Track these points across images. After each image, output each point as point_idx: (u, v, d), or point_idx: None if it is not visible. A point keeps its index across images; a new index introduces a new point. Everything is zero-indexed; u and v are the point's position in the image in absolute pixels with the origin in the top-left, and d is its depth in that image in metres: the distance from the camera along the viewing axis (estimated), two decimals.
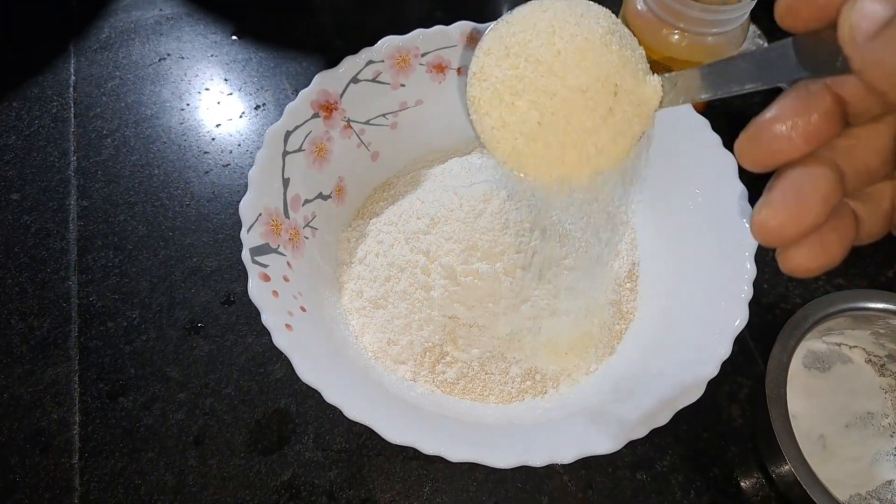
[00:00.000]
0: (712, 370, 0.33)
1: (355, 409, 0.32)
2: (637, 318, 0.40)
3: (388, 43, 0.43)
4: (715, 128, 0.40)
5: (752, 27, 0.57)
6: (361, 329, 0.40)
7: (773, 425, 0.36)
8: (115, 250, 0.47)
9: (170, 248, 0.47)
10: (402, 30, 0.43)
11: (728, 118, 0.54)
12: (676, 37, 0.45)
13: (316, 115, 0.41)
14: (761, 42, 0.56)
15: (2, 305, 0.45)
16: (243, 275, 0.41)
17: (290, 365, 0.32)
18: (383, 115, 0.45)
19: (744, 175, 0.38)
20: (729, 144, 0.39)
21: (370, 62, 0.43)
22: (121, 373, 0.43)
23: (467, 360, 0.38)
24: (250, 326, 0.44)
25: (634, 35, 0.45)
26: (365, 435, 0.41)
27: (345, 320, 0.40)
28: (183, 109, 0.53)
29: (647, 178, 0.43)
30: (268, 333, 0.33)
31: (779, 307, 0.46)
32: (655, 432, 0.32)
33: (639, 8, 0.46)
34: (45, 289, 0.46)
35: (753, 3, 0.42)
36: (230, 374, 0.43)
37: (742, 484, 0.40)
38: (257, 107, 0.54)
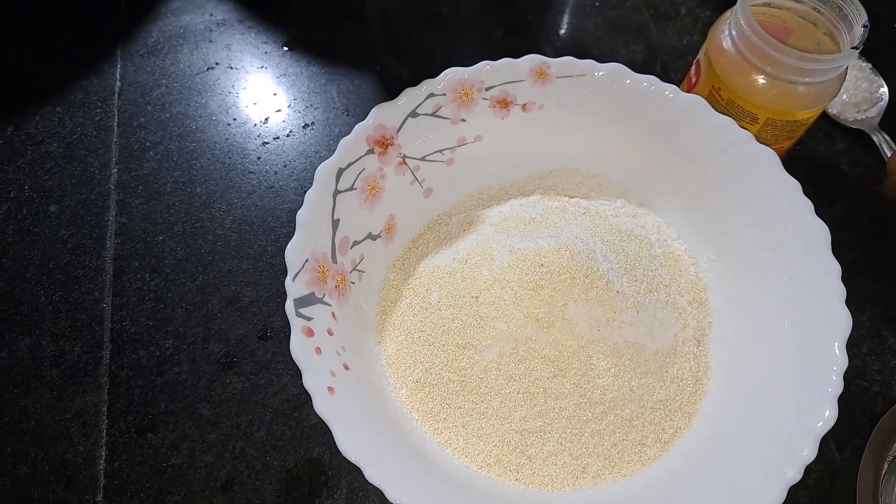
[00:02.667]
0: (795, 475, 0.30)
1: (398, 492, 0.29)
2: (705, 394, 0.37)
3: (452, 75, 0.40)
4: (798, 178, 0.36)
5: (865, 64, 0.53)
6: (400, 384, 0.37)
7: None
8: (151, 273, 0.45)
9: (208, 274, 0.45)
10: (457, 48, 0.40)
11: (813, 171, 0.50)
12: (763, 82, 0.41)
13: (371, 151, 0.39)
14: (875, 77, 0.52)
15: (34, 325, 0.43)
16: (281, 307, 0.39)
17: None
18: (440, 151, 0.42)
19: (837, 251, 0.34)
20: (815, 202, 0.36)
21: (431, 95, 0.40)
22: (151, 406, 0.41)
23: (516, 436, 0.35)
24: (286, 365, 0.42)
25: (718, 75, 0.42)
26: None
27: (385, 374, 0.38)
28: (229, 124, 0.51)
29: (723, 233, 0.40)
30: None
31: (855, 383, 0.42)
32: None
33: (725, 46, 0.42)
34: (78, 310, 0.44)
35: (856, 55, 0.38)
36: (263, 416, 0.41)
37: None
38: (305, 125, 0.51)
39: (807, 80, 0.40)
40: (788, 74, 0.39)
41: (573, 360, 0.35)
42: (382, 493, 0.37)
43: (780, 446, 0.31)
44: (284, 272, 0.34)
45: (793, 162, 0.36)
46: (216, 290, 0.45)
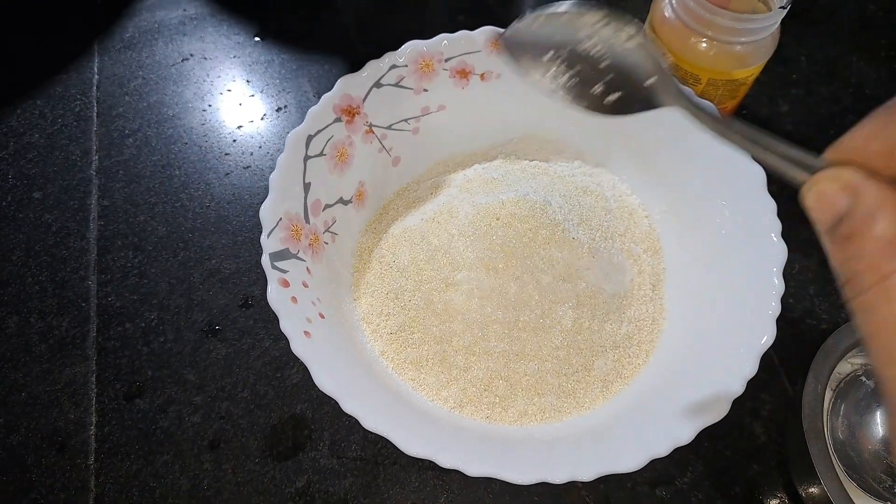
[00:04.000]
0: (738, 388, 0.32)
1: (373, 419, 0.31)
2: (661, 332, 0.40)
3: (412, 47, 0.42)
4: None
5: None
6: (375, 337, 0.39)
7: (813, 462, 0.36)
8: (134, 251, 0.47)
9: (189, 250, 0.47)
10: (424, 33, 0.42)
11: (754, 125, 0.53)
12: (704, 45, 0.44)
13: (338, 120, 0.41)
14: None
15: (22, 304, 0.45)
16: (261, 278, 0.41)
17: (307, 371, 0.32)
18: (405, 121, 0.44)
19: (772, 188, 0.37)
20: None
21: (393, 66, 0.42)
22: (138, 374, 0.43)
23: (484, 378, 0.37)
24: (267, 330, 0.44)
25: (662, 42, 0.45)
26: (380, 443, 0.41)
27: (361, 327, 0.40)
28: (205, 111, 0.53)
29: (673, 187, 0.43)
30: (285, 338, 0.33)
31: (804, 322, 0.45)
32: (676, 449, 0.31)
33: (666, 15, 0.45)
34: (64, 288, 0.46)
35: (784, 12, 0.41)
36: (246, 378, 0.43)
37: (765, 503, 0.40)
38: (279, 109, 0.53)
39: (742, 39, 0.43)
40: (725, 35, 0.42)
41: (534, 305, 0.38)
42: (363, 444, 0.40)
43: (726, 367, 0.34)
44: (262, 247, 0.36)
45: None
46: (197, 264, 0.47)
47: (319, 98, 0.40)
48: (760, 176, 0.38)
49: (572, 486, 0.40)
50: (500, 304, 0.38)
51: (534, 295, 0.38)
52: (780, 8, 0.41)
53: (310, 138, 0.39)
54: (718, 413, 0.32)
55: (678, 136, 0.41)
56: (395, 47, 0.42)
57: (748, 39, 0.43)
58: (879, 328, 0.17)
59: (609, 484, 0.40)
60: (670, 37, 0.45)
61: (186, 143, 0.52)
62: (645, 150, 0.44)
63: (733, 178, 0.39)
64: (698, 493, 0.40)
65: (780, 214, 0.36)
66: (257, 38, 0.57)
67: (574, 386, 0.38)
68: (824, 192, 0.18)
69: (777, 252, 0.36)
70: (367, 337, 0.39)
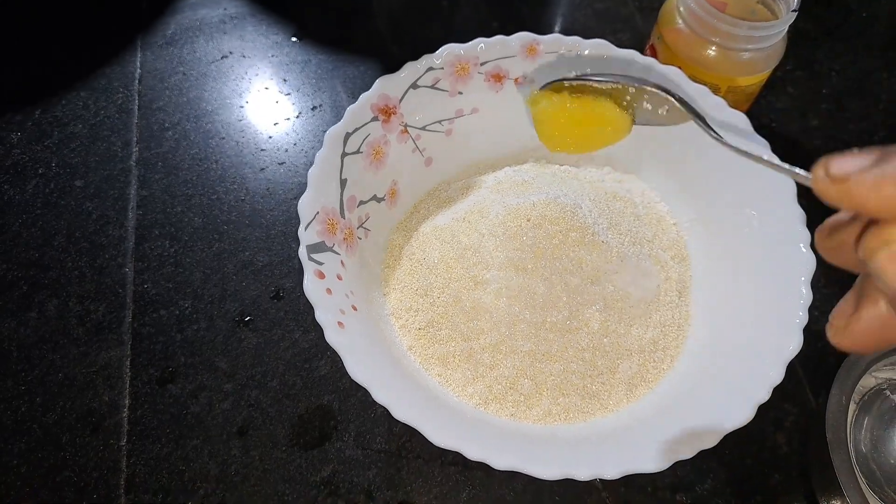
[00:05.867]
0: (763, 395, 0.33)
1: (403, 409, 0.32)
2: (688, 337, 0.40)
3: (449, 51, 0.43)
4: (774, 150, 0.40)
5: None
6: (404, 332, 0.40)
7: (836, 473, 0.36)
8: (171, 240, 0.48)
9: (224, 241, 0.48)
10: (457, 38, 0.43)
11: (784, 139, 0.53)
12: (712, 52, 0.44)
13: (375, 119, 0.42)
14: None
15: (61, 288, 0.46)
16: (293, 271, 0.42)
17: (335, 362, 0.33)
18: (439, 122, 0.45)
19: (802, 198, 0.38)
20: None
21: (430, 68, 0.43)
22: (171, 360, 0.44)
23: (510, 377, 0.38)
24: (297, 322, 0.45)
25: (676, 54, 0.45)
26: (405, 436, 0.42)
27: (390, 322, 0.41)
28: (242, 107, 0.54)
29: (701, 196, 0.43)
30: (314, 330, 0.34)
31: None
32: (698, 455, 0.32)
33: (678, 26, 0.46)
34: (102, 274, 0.47)
35: (792, 19, 0.42)
36: (276, 368, 0.44)
37: None
38: (314, 108, 0.55)
39: (750, 46, 0.43)
40: (731, 42, 0.43)
41: (561, 307, 0.38)
42: (388, 437, 0.41)
43: (752, 374, 0.34)
44: (295, 240, 0.37)
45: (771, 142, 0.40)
46: (231, 255, 0.48)
47: (353, 98, 0.41)
48: (790, 186, 0.38)
49: (593, 487, 0.40)
50: (527, 304, 0.38)
51: (561, 296, 0.38)
52: (793, 11, 0.42)
53: (347, 136, 0.40)
54: (743, 418, 0.32)
55: (708, 144, 0.42)
56: (428, 52, 0.43)
57: (755, 47, 0.43)
58: None
59: (630, 487, 0.40)
60: (678, 44, 0.46)
61: (223, 138, 0.53)
62: (674, 158, 0.44)
63: (763, 188, 0.39)
64: (719, 500, 0.40)
65: (809, 225, 0.37)
66: (294, 39, 0.58)
67: (599, 388, 0.38)
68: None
69: (806, 262, 0.36)
70: (396, 332, 0.40)
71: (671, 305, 0.41)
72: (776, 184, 0.39)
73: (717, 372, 0.37)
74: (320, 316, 0.34)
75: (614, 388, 0.38)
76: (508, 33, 0.44)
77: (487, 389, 0.38)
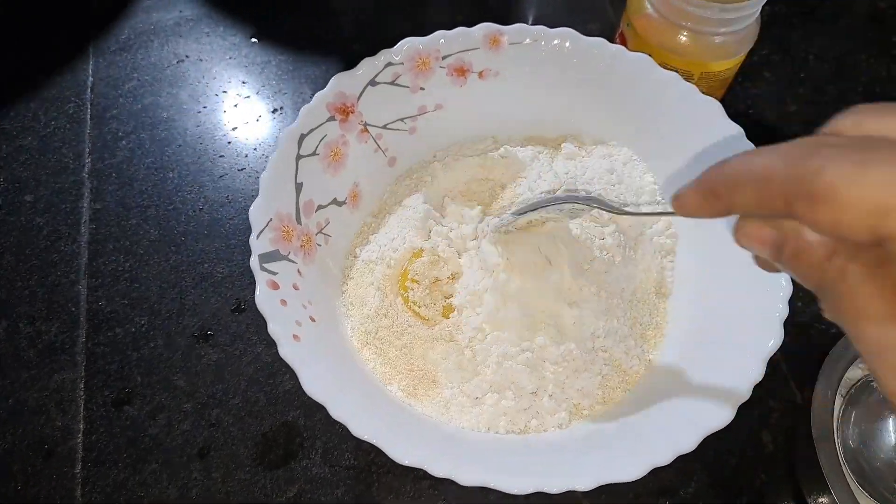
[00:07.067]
0: (744, 393, 0.31)
1: (362, 426, 0.30)
2: (665, 335, 0.38)
3: (408, 45, 0.41)
4: (751, 137, 0.38)
5: None
6: (367, 343, 0.38)
7: (823, 471, 0.35)
8: (126, 254, 0.46)
9: (181, 254, 0.46)
10: (424, 34, 0.41)
11: (761, 126, 0.52)
12: (683, 38, 0.43)
13: (332, 118, 0.40)
14: None
15: (11, 308, 0.44)
16: (254, 282, 0.40)
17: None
18: (401, 120, 0.43)
19: None
20: None
21: (389, 64, 0.41)
22: (127, 380, 0.42)
23: (478, 386, 0.36)
24: (260, 335, 0.43)
25: (646, 41, 0.44)
26: (374, 452, 0.39)
27: (350, 333, 0.39)
28: (199, 112, 0.52)
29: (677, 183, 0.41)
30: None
31: (813, 327, 0.43)
32: (680, 457, 0.30)
33: (648, 12, 0.44)
34: (54, 292, 0.45)
35: (763, 1, 0.40)
36: (238, 385, 0.42)
37: None
38: (275, 110, 0.52)
39: (721, 30, 0.42)
40: (703, 26, 0.41)
41: (532, 306, 0.36)
42: (357, 453, 0.38)
43: (731, 371, 0.32)
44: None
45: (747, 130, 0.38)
46: (189, 268, 0.46)
47: None
48: None
49: (571, 495, 0.38)
50: (505, 317, 0.37)
51: (533, 296, 0.36)
52: None
53: (302, 137, 0.39)
54: (723, 419, 0.31)
55: (686, 132, 0.40)
56: (392, 47, 0.41)
57: (727, 30, 0.42)
58: (859, 314, 0.18)
59: (610, 494, 0.38)
60: (648, 31, 0.44)
61: (181, 146, 0.51)
62: (651, 147, 0.43)
63: None
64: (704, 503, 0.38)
65: None
66: (254, 40, 0.56)
67: (572, 392, 0.36)
68: (752, 231, 0.20)
69: None
70: (357, 342, 0.38)
71: (649, 302, 0.39)
72: None
73: (695, 370, 0.35)
74: (274, 329, 0.32)
75: (589, 392, 0.36)
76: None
77: (454, 399, 0.36)
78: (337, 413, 0.30)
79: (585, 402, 0.36)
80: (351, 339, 0.38)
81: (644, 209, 0.34)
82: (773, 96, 0.53)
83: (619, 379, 0.37)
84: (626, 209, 0.37)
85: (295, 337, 0.33)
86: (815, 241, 0.19)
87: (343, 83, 0.40)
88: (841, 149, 0.17)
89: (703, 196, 0.21)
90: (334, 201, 0.41)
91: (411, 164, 0.45)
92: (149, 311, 0.44)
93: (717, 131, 0.39)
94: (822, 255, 0.18)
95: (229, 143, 0.51)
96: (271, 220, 0.36)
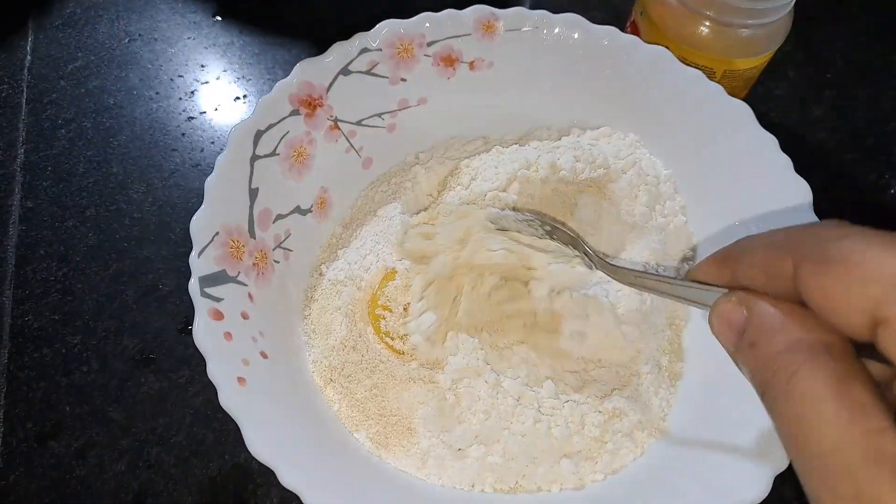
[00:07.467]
0: (782, 462, 0.26)
1: (319, 496, 0.25)
2: (679, 387, 0.33)
3: (388, 28, 0.36)
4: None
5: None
6: (330, 384, 0.32)
7: None
8: (59, 261, 0.40)
9: (123, 262, 0.40)
10: (407, 16, 0.36)
11: (784, 132, 0.46)
12: (705, 29, 0.37)
13: (295, 112, 0.34)
14: None
15: None
16: None
17: None
18: (379, 115, 0.38)
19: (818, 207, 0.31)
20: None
21: (365, 50, 0.36)
22: (54, 410, 0.36)
23: (460, 437, 0.30)
24: None
25: (664, 33, 0.38)
26: None
27: (311, 370, 0.33)
28: (151, 98, 0.46)
29: (703, 200, 0.36)
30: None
31: None
32: None
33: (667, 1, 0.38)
34: None
35: None
36: (182, 419, 0.36)
37: None
38: (237, 98, 0.46)
39: (750, 22, 0.36)
40: (730, 17, 0.36)
41: (516, 360, 0.31)
42: None
43: (765, 435, 0.27)
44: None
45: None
46: (132, 279, 0.40)
47: None
48: (806, 192, 0.31)
49: None
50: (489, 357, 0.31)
51: (517, 350, 0.31)
52: None
53: (259, 134, 0.33)
54: (758, 493, 0.25)
55: (711, 138, 0.35)
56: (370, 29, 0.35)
57: (756, 22, 0.36)
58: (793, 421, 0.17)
59: None
60: (666, 20, 0.39)
61: (128, 136, 0.45)
62: (666, 152, 0.37)
63: (776, 192, 0.32)
64: None
65: None
66: (217, 18, 0.50)
67: (572, 449, 0.31)
68: (724, 311, 0.20)
69: None
70: (318, 382, 0.32)
71: (657, 346, 0.34)
72: (790, 188, 0.32)
73: (719, 432, 0.29)
74: (213, 371, 0.27)
75: (590, 454, 0.31)
76: None
77: (432, 451, 0.30)
78: (288, 480, 0.25)
79: (583, 467, 0.30)
80: (312, 375, 0.32)
81: (647, 281, 0.26)
82: (797, 99, 0.48)
83: (625, 437, 0.31)
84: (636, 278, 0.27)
85: (240, 380, 0.27)
86: (777, 329, 0.18)
87: (309, 71, 0.34)
88: (867, 229, 0.17)
89: (718, 263, 0.21)
90: (297, 209, 0.35)
91: (389, 166, 0.39)
92: (82, 328, 0.38)
93: (747, 140, 0.33)
94: (780, 347, 0.18)
95: (183, 135, 0.45)
96: (217, 234, 0.30)
